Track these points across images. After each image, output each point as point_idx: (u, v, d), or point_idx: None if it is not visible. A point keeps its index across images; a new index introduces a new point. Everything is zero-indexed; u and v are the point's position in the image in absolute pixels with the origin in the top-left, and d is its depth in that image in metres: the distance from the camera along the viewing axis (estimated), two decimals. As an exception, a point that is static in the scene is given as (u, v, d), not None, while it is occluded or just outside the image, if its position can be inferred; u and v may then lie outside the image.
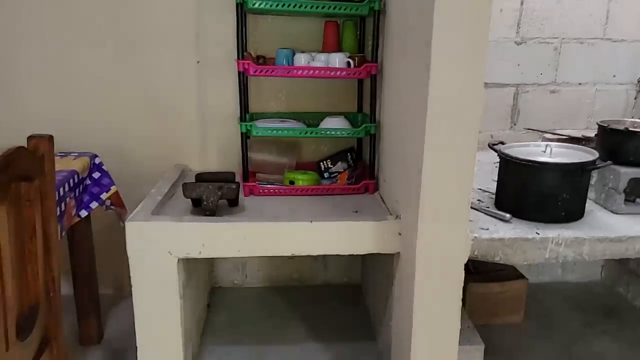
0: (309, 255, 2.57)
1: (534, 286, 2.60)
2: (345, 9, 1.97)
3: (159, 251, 1.65)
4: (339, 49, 2.19)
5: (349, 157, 2.28)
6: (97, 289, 2.11)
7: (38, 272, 1.26)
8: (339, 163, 2.26)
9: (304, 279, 2.63)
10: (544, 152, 1.67)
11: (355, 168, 2.24)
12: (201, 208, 1.76)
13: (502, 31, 2.43)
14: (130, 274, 1.67)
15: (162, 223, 1.65)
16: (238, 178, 1.99)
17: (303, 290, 2.59)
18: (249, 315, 2.36)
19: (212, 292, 2.53)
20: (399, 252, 1.73)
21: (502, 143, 1.78)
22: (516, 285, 2.31)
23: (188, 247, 1.66)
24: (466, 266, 1.52)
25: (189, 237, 1.65)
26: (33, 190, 1.21)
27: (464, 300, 2.28)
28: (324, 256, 2.60)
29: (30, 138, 1.25)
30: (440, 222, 1.46)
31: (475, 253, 1.51)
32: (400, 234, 1.70)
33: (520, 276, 2.34)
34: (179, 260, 1.67)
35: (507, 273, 2.35)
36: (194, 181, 1.86)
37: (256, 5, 1.90)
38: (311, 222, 1.68)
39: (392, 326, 1.87)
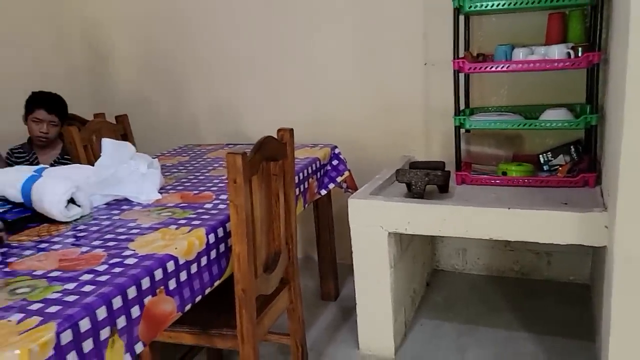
0: (530, 249, 2.57)
1: None
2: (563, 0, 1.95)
3: (373, 225, 1.98)
4: (563, 39, 2.15)
5: (573, 150, 2.21)
6: (335, 255, 2.58)
7: (280, 228, 1.72)
8: (561, 156, 2.22)
9: (525, 272, 2.62)
10: None
11: (580, 161, 2.17)
12: (411, 192, 2.02)
13: None
14: (352, 243, 2.05)
15: (375, 202, 1.97)
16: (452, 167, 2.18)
17: (522, 282, 2.59)
18: (464, 298, 2.51)
19: (432, 273, 2.76)
20: (605, 246, 1.67)
21: None
22: None
23: (396, 223, 1.94)
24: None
25: (396, 215, 1.93)
26: (278, 168, 1.68)
27: None
28: (548, 251, 2.55)
29: (278, 130, 1.72)
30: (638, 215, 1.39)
31: (687, 252, 1.38)
32: (606, 227, 1.64)
33: None
34: (389, 234, 1.97)
35: None
36: (409, 168, 2.13)
37: (471, 9, 2.06)
38: (509, 209, 1.77)
39: (602, 325, 1.80)
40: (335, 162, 2.41)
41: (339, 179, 2.38)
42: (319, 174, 2.29)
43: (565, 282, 2.55)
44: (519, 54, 2.10)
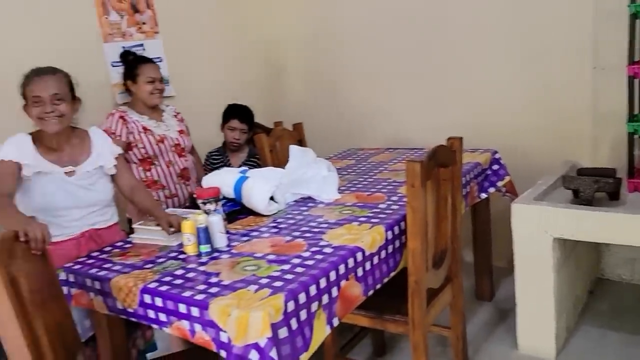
0: None
1: None
2: None
3: (537, 230, 2.04)
4: None
5: None
6: (491, 256, 2.66)
7: (447, 229, 1.88)
8: None
9: None
10: None
11: None
12: (579, 198, 2.04)
13: None
14: (513, 246, 2.13)
15: (541, 207, 2.03)
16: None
17: None
18: (632, 308, 2.42)
19: (596, 282, 2.68)
20: None
21: None
22: None
23: (562, 229, 1.98)
24: None
25: (563, 221, 1.97)
26: (447, 173, 1.84)
27: None
28: None
29: (448, 138, 1.88)
30: None
31: None
32: None
33: None
34: (554, 239, 2.01)
35: None
36: (575, 175, 2.14)
37: (650, 12, 2.00)
38: (690, 219, 1.72)
39: None
40: (495, 167, 2.49)
41: (499, 184, 2.46)
42: (479, 178, 2.39)
43: None
44: None
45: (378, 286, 1.67)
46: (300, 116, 3.22)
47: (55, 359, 1.33)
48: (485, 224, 2.62)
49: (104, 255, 1.72)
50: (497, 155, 2.53)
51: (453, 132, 1.92)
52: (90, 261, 1.68)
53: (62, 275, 1.66)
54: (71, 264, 1.68)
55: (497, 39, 2.75)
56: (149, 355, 2.08)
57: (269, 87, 3.67)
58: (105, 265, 1.63)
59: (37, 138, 1.76)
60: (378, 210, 1.89)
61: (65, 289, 1.64)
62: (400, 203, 1.93)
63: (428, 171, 1.67)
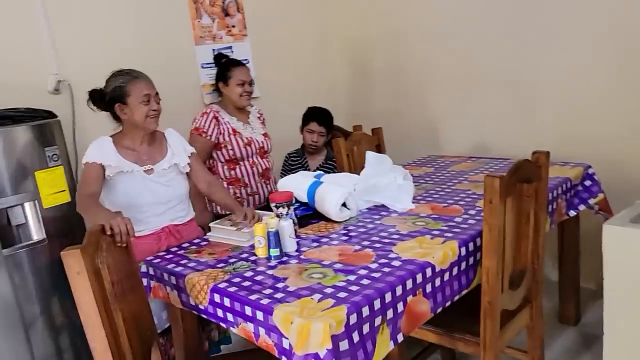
0: None
1: None
2: None
3: (631, 255, 1.85)
4: None
5: None
6: (578, 278, 2.47)
7: (528, 247, 1.77)
8: None
9: None
10: None
11: None
12: (683, 223, 1.83)
13: None
14: (604, 271, 1.96)
15: (637, 230, 1.84)
16: None
17: None
18: None
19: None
20: None
21: None
22: None
23: (661, 256, 1.79)
24: None
25: (662, 248, 1.78)
26: (531, 189, 1.73)
27: None
28: None
29: (533, 153, 1.77)
30: None
31: None
32: None
33: None
34: (651, 266, 1.82)
35: None
36: (681, 197, 1.92)
37: None
38: None
39: None
40: (587, 183, 2.30)
41: (591, 201, 2.27)
42: (568, 194, 2.22)
43: None
44: None
45: (448, 304, 1.61)
46: (382, 119, 3.19)
47: (131, 347, 1.41)
48: (573, 242, 2.44)
49: (181, 251, 1.81)
50: (590, 170, 2.34)
51: (542, 141, 1.79)
52: (168, 256, 1.78)
53: (143, 268, 1.76)
54: (151, 258, 1.78)
55: (593, 40, 2.54)
56: (223, 347, 2.16)
57: (352, 89, 3.67)
58: (182, 262, 1.71)
59: (117, 140, 1.89)
60: (453, 223, 1.82)
61: (145, 281, 1.75)
62: (477, 217, 1.84)
63: (508, 187, 1.58)
